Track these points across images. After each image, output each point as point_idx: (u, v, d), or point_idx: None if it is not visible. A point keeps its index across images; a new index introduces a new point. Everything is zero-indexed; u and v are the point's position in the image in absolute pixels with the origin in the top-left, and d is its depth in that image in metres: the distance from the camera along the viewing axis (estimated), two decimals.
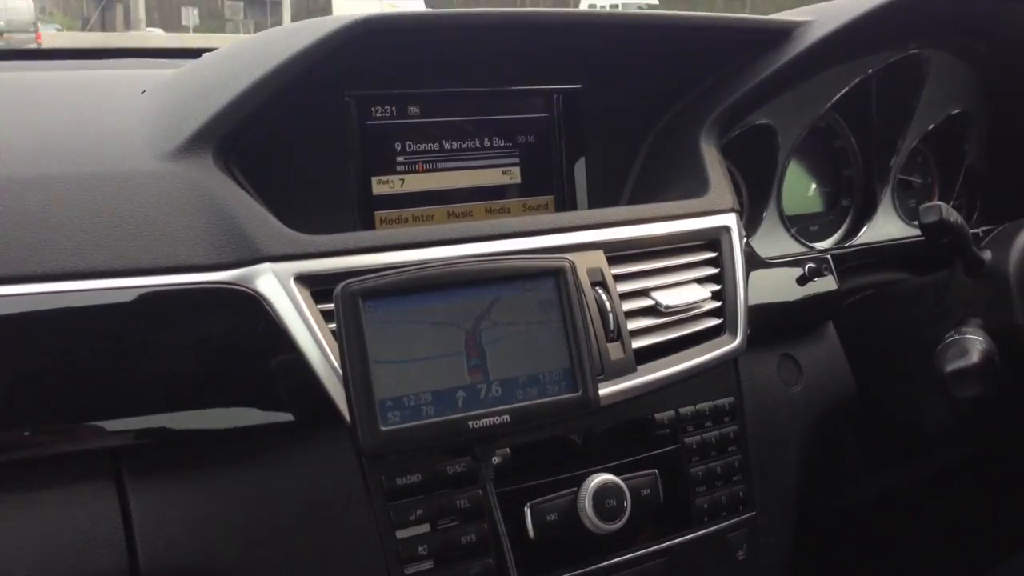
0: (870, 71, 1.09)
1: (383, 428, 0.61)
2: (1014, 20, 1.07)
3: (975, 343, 0.80)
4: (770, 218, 1.07)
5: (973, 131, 1.21)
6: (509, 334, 0.66)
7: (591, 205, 0.92)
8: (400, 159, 0.84)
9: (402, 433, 0.61)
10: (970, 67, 1.18)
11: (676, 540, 0.81)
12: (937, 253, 0.87)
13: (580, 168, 0.92)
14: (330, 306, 0.62)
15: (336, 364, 0.64)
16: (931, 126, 1.18)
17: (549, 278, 0.68)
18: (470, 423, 0.64)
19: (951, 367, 0.79)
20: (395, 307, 0.62)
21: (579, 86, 0.90)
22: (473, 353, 0.65)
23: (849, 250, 1.12)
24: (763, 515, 0.86)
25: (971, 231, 1.00)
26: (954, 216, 0.81)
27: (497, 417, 0.65)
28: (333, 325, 0.63)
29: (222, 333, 0.66)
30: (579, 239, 0.78)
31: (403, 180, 0.84)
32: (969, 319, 0.85)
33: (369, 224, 0.82)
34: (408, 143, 0.84)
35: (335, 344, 0.63)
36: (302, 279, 0.66)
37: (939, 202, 0.81)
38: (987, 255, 0.86)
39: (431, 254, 0.71)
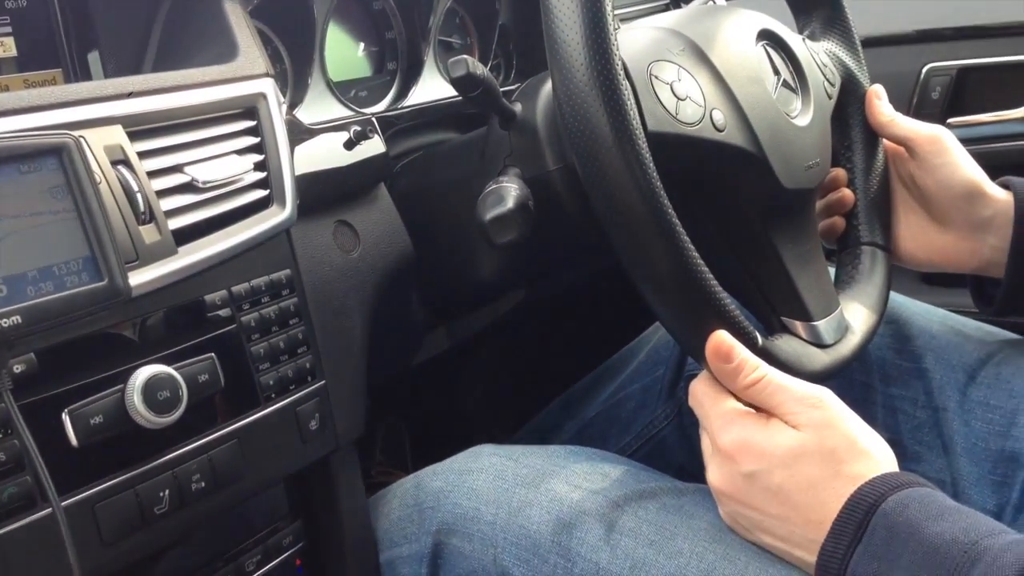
0: None
1: None
2: None
3: (511, 190, 0.84)
4: (316, 85, 1.05)
5: None
6: (13, 228, 0.58)
7: (108, 76, 0.83)
8: None
9: None
10: None
11: (244, 421, 0.78)
12: (475, 109, 0.89)
13: (90, 36, 0.82)
14: None
15: None
16: None
17: (50, 158, 0.60)
18: None
19: (489, 215, 0.82)
20: None
21: None
22: None
23: (399, 112, 1.13)
24: (333, 383, 0.86)
25: (509, 87, 1.04)
26: (480, 69, 0.83)
27: (5, 320, 0.57)
28: None
29: None
30: (93, 114, 0.69)
31: None
32: (508, 169, 0.89)
33: None
34: None
35: None
36: None
37: (465, 56, 0.82)
38: (517, 107, 0.89)
39: None
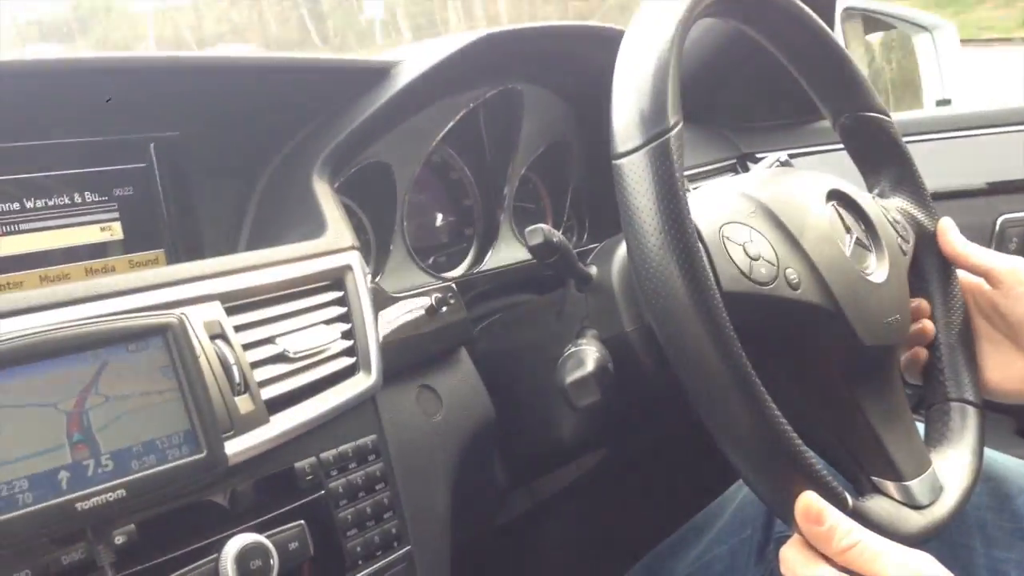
0: (472, 105, 1.14)
1: None
2: (592, 58, 1.17)
3: (590, 353, 0.84)
4: (398, 253, 1.09)
5: (573, 157, 1.31)
6: (123, 409, 0.61)
7: (207, 255, 0.88)
8: None
9: None
10: (562, 100, 1.29)
11: None
12: (553, 272, 0.92)
13: (189, 218, 0.88)
14: None
15: None
16: (535, 154, 1.26)
17: (156, 337, 0.64)
18: (77, 505, 0.58)
19: (570, 379, 0.83)
20: None
21: (176, 133, 0.86)
22: (75, 427, 0.59)
23: (477, 276, 1.16)
24: (419, 548, 0.86)
25: (583, 248, 1.07)
26: (557, 236, 0.86)
27: (110, 494, 0.59)
28: None
29: None
30: (193, 292, 0.74)
31: None
32: (585, 331, 0.90)
33: None
34: None
35: None
36: None
37: (541, 225, 0.85)
38: (593, 270, 0.91)
39: (19, 324, 0.63)
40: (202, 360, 0.69)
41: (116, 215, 0.83)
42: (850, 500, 0.70)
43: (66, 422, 0.58)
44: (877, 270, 0.85)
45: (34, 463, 0.56)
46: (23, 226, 0.78)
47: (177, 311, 0.68)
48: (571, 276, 0.91)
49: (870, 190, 0.96)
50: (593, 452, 1.20)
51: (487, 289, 1.16)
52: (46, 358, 0.58)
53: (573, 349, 0.85)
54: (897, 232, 0.89)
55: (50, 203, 0.79)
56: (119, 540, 0.65)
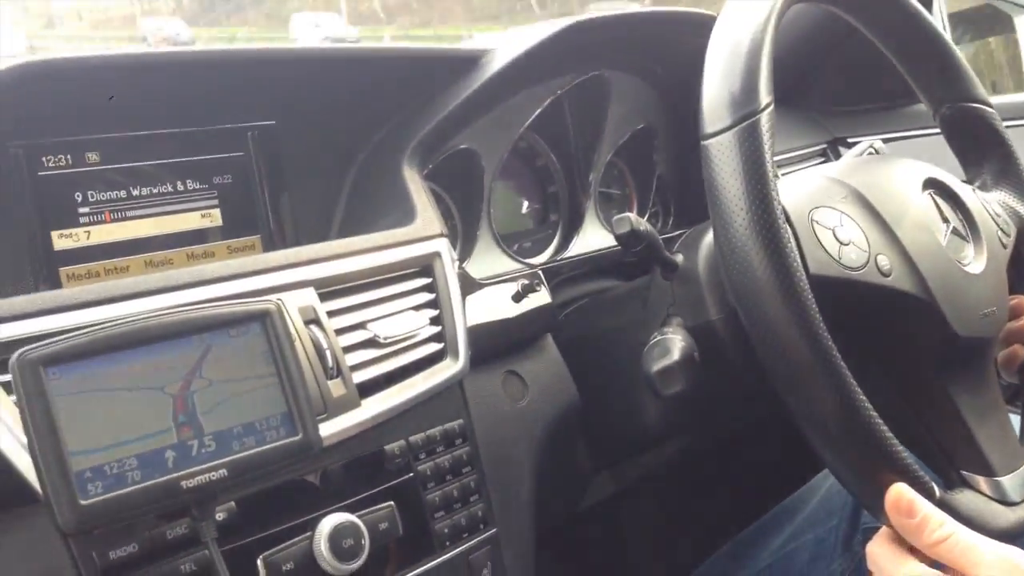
0: (559, 92, 1.15)
1: (83, 502, 0.56)
2: (682, 43, 1.16)
3: (676, 342, 0.84)
4: (484, 239, 1.10)
5: (659, 143, 1.31)
6: (223, 387, 0.63)
7: (301, 242, 0.91)
8: (83, 210, 0.79)
9: (105, 504, 0.57)
10: (649, 86, 1.28)
11: (419, 569, 0.80)
12: (639, 259, 0.92)
13: (284, 205, 0.90)
14: (9, 378, 0.56)
15: (23, 439, 0.58)
16: (621, 141, 1.26)
17: (255, 323, 0.66)
18: (183, 483, 0.60)
19: (656, 367, 0.83)
20: (86, 371, 0.58)
21: (272, 122, 0.89)
22: (181, 409, 0.62)
23: (562, 263, 1.17)
24: (503, 531, 0.88)
25: (668, 235, 1.06)
26: (644, 225, 0.85)
27: (213, 473, 0.61)
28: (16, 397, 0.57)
29: None
30: (288, 278, 0.76)
31: (89, 232, 0.79)
32: (671, 319, 0.90)
33: (55, 283, 0.76)
34: (90, 192, 0.79)
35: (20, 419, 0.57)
36: None
37: (628, 214, 0.85)
38: (679, 258, 0.91)
39: (126, 309, 0.67)
40: (297, 345, 0.71)
41: (216, 202, 0.86)
42: (938, 491, 0.69)
43: (172, 404, 0.60)
44: (974, 261, 0.82)
45: (143, 443, 0.59)
46: (130, 213, 0.81)
47: (274, 297, 0.70)
48: (657, 264, 0.91)
49: (971, 182, 0.94)
50: (677, 439, 1.20)
51: (572, 275, 1.16)
52: (155, 342, 0.60)
53: (659, 337, 0.85)
54: (997, 225, 0.87)
55: (155, 191, 0.83)
56: (220, 517, 0.68)
